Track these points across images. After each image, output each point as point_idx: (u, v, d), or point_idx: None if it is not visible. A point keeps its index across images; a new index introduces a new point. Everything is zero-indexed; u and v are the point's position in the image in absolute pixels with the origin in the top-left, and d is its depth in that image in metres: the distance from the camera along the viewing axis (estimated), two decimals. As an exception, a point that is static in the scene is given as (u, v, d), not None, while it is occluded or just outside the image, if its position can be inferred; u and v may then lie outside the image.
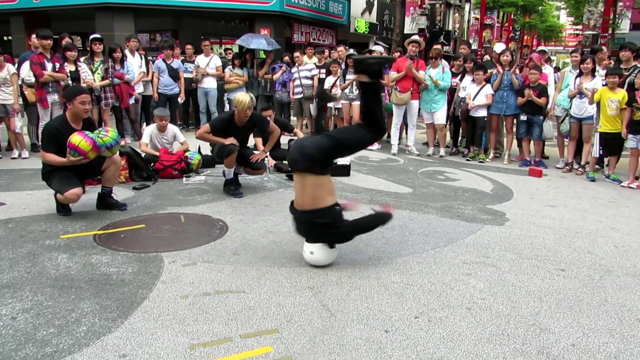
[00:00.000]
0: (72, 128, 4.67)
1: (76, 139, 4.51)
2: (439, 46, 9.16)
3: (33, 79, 7.28)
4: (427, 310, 3.10)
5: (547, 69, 8.31)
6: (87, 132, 4.62)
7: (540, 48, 8.91)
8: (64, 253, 3.88)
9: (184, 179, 6.31)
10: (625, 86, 6.88)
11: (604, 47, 7.20)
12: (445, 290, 3.37)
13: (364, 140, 3.90)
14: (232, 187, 5.70)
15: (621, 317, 3.08)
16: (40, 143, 4.68)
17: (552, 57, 9.34)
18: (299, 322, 2.93)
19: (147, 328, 2.82)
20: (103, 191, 5.02)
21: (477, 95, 8.00)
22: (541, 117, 7.66)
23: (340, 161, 6.94)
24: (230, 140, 5.53)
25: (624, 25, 22.20)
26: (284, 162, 7.02)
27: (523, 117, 7.73)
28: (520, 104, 7.67)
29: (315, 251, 3.67)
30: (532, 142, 7.90)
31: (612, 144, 6.91)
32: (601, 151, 6.99)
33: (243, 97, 5.46)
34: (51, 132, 4.67)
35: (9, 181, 6.08)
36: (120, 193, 5.40)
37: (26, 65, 7.38)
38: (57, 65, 7.35)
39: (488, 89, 7.97)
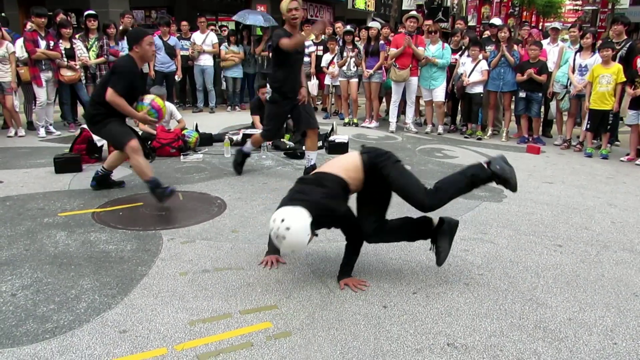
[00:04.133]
0: (138, 71, 4.64)
1: (160, 101, 4.65)
2: (429, 21, 9.04)
3: (25, 55, 7.21)
4: (425, 286, 3.13)
5: (561, 45, 8.13)
6: None
7: (552, 25, 8.76)
8: (62, 231, 3.88)
9: (182, 157, 6.28)
10: (617, 59, 6.86)
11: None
12: (443, 267, 3.38)
13: None
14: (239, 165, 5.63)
15: (618, 292, 3.11)
16: (112, 82, 4.36)
17: (566, 36, 8.90)
18: (298, 298, 2.95)
19: (147, 304, 2.83)
20: (104, 173, 4.90)
21: (472, 71, 7.93)
22: (540, 94, 7.61)
23: (339, 139, 6.92)
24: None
25: (624, 0, 22.00)
26: (282, 140, 6.98)
27: (522, 94, 7.67)
28: (520, 82, 7.61)
29: None
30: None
31: (601, 121, 6.91)
32: (588, 126, 7.00)
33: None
34: (129, 74, 4.45)
35: (5, 159, 6.06)
36: (117, 171, 5.37)
37: (18, 42, 7.30)
38: (51, 43, 7.27)
39: (483, 65, 7.88)
